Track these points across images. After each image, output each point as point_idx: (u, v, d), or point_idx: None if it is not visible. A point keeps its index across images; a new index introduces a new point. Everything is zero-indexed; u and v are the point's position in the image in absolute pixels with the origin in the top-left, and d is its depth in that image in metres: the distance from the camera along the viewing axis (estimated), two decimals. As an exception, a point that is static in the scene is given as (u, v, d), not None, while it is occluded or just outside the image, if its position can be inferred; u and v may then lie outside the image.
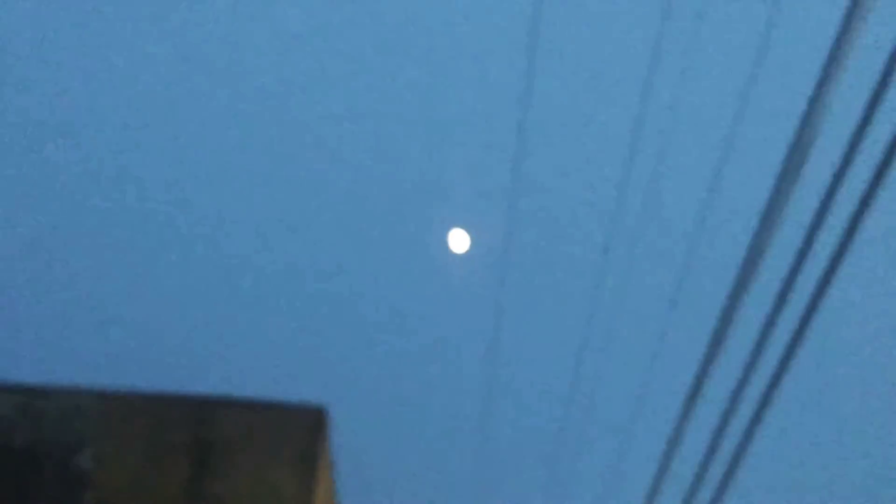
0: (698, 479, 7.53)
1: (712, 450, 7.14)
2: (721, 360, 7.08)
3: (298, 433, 9.32)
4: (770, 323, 6.09)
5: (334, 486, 11.04)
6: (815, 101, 5.32)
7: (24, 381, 9.53)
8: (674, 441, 7.72)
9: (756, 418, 6.64)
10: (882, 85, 4.87)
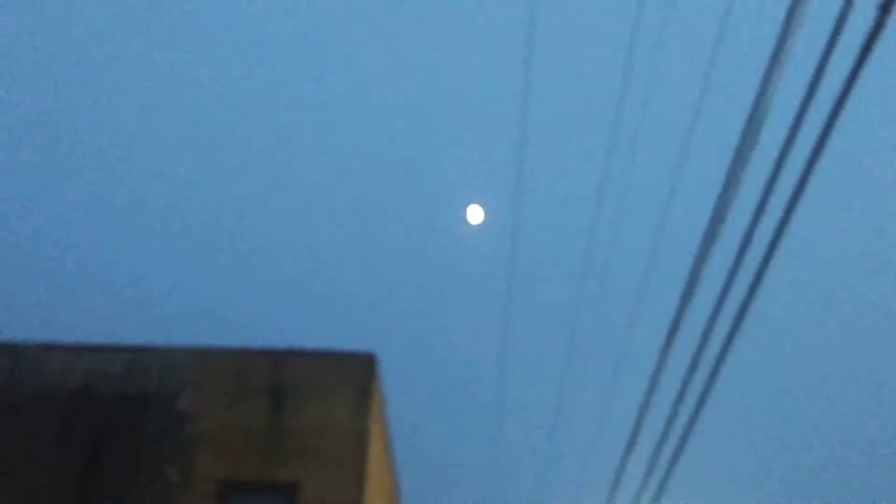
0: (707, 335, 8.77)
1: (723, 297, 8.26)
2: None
3: (354, 376, 11.32)
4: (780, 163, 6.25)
5: (385, 417, 13.10)
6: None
7: (132, 343, 11.68)
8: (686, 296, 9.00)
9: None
10: None
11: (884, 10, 5.17)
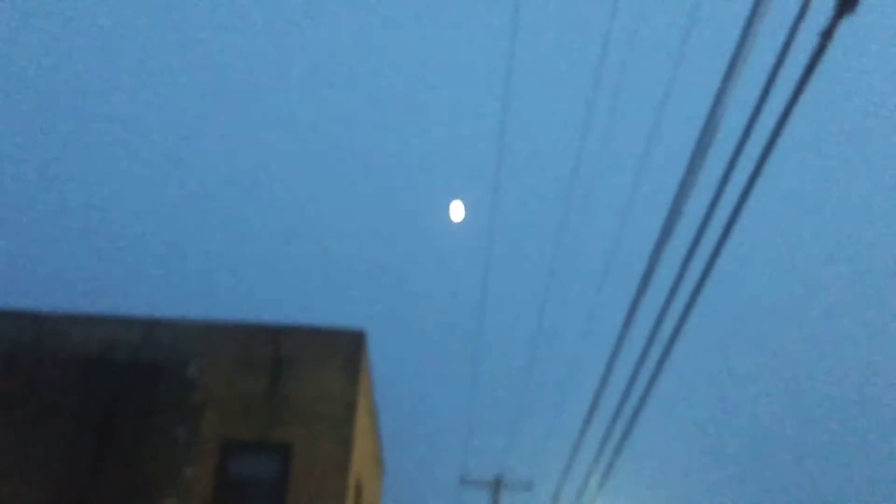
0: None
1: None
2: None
3: (345, 350, 12.54)
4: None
5: (372, 387, 14.36)
6: None
7: (146, 315, 12.88)
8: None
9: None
10: None
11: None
